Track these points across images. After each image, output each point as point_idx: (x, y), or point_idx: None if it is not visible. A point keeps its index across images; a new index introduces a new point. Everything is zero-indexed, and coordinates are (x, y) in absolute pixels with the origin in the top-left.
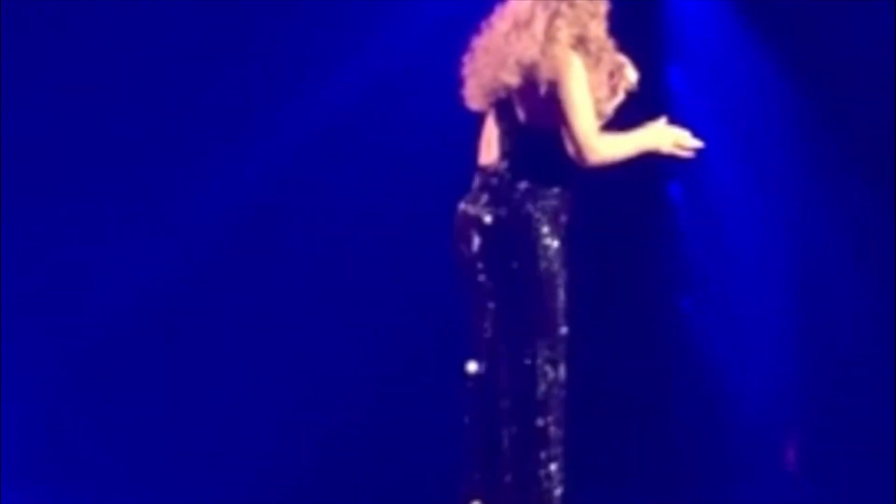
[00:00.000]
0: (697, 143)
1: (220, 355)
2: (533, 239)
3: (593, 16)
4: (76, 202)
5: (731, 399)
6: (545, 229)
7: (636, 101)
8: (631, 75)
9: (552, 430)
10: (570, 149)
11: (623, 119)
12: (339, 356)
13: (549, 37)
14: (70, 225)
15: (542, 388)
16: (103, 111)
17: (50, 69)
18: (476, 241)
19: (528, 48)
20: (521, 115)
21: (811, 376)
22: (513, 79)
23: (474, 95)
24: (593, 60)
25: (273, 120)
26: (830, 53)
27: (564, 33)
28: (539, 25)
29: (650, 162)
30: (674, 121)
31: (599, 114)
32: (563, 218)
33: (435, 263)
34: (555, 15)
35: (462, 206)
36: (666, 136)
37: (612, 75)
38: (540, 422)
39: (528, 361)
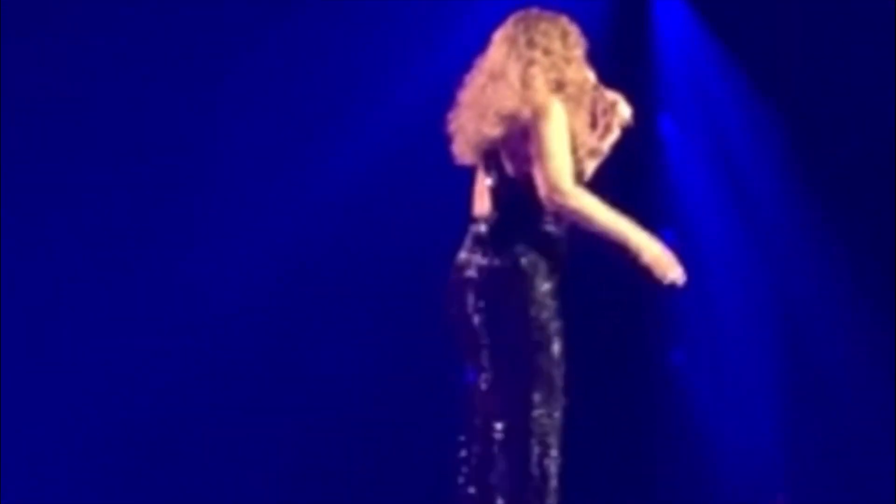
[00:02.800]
0: (678, 277)
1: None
2: (526, 289)
3: (569, 61)
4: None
5: (721, 451)
6: (538, 279)
7: (628, 149)
8: (624, 111)
9: (550, 483)
10: (541, 190)
11: (617, 166)
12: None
13: (526, 84)
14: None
15: (539, 440)
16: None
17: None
18: (470, 292)
19: (506, 98)
20: (507, 166)
21: (801, 428)
22: (495, 131)
23: (463, 151)
24: (573, 104)
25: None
26: (823, 99)
27: (540, 80)
28: (514, 74)
29: (641, 211)
30: (665, 168)
31: (592, 153)
32: (556, 267)
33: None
34: (529, 63)
35: (458, 256)
36: (653, 248)
37: (605, 112)
38: (536, 473)
39: (523, 413)
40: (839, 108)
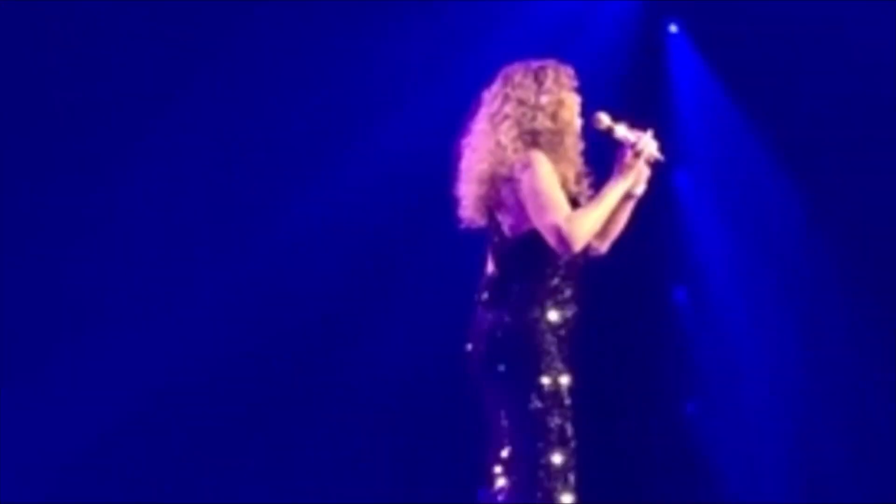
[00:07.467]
0: (657, 155)
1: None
2: (532, 345)
3: (541, 108)
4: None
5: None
6: (544, 333)
7: (641, 204)
8: (650, 147)
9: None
10: (551, 243)
11: (630, 221)
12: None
13: (499, 144)
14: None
15: (545, 487)
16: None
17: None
18: (479, 346)
19: (482, 161)
20: (503, 225)
21: (816, 480)
22: (481, 190)
23: (469, 216)
24: (548, 151)
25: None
26: (843, 155)
27: (512, 134)
28: (490, 136)
29: (656, 265)
30: (680, 222)
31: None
32: (561, 320)
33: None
34: (503, 119)
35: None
36: (631, 175)
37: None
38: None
39: (534, 462)
40: (858, 161)
